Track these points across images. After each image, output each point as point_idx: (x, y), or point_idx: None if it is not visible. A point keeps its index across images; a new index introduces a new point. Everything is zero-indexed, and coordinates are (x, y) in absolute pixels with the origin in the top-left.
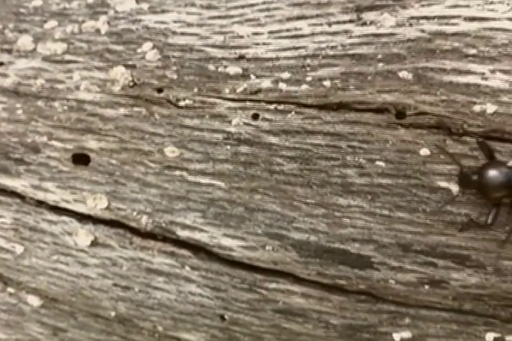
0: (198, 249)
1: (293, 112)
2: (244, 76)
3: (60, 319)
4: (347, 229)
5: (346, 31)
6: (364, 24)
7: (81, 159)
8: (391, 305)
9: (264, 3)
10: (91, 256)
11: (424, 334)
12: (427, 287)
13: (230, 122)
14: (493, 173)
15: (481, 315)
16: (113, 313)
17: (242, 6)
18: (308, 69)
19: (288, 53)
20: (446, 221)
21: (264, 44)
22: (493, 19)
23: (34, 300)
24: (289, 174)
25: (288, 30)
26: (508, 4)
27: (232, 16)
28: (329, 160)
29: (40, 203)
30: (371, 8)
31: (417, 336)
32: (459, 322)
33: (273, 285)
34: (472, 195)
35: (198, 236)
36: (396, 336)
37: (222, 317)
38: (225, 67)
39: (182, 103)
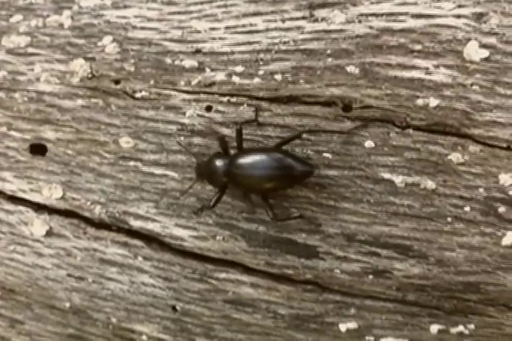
0: (151, 239)
1: (245, 105)
2: (200, 69)
3: (17, 311)
4: (294, 219)
5: (299, 27)
6: (316, 21)
7: (38, 149)
8: (337, 294)
9: None
10: (46, 246)
11: (370, 325)
12: (370, 277)
13: (184, 114)
14: (215, 163)
15: (424, 307)
16: (68, 304)
17: (201, 2)
18: (261, 63)
19: (242, 48)
20: (390, 211)
21: (220, 39)
22: (439, 16)
23: None
24: None
25: (243, 25)
26: (453, 2)
27: (191, 12)
28: None
29: None
30: (323, 5)
31: (363, 327)
32: (403, 313)
33: (223, 275)
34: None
35: (150, 226)
36: (342, 326)
37: (173, 308)
38: (182, 60)
39: (138, 95)
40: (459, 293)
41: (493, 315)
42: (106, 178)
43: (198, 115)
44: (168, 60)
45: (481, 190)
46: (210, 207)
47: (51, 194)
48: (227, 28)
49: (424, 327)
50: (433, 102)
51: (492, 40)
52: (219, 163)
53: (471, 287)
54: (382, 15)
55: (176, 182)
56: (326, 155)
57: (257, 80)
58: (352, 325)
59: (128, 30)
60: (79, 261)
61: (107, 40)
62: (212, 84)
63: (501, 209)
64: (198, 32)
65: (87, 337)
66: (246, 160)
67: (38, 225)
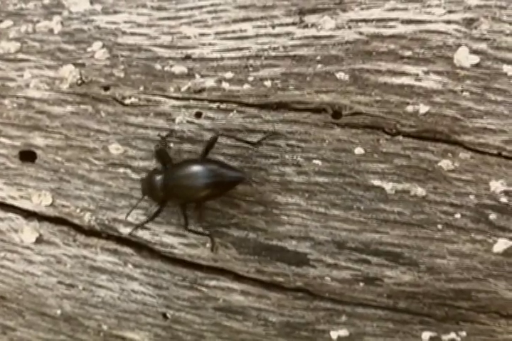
0: (141, 247)
1: (235, 111)
2: (189, 75)
3: (9, 317)
4: (284, 226)
5: (288, 33)
6: (306, 26)
7: (28, 156)
8: (327, 302)
9: (212, 5)
10: (36, 254)
11: (361, 332)
12: (361, 284)
13: (173, 120)
14: (153, 179)
15: (416, 314)
16: (59, 312)
17: (191, 8)
18: (250, 69)
19: (232, 54)
20: (380, 219)
21: (210, 44)
22: (430, 22)
23: None
24: None
25: (233, 31)
26: (444, 7)
27: (180, 17)
28: (268, 158)
29: None
30: (313, 11)
31: (354, 334)
32: (394, 320)
33: (213, 283)
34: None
35: (140, 233)
36: (333, 334)
37: (164, 316)
38: (171, 66)
39: (127, 101)
40: (450, 301)
41: (484, 322)
42: (95, 185)
43: (188, 121)
44: (158, 66)
45: (471, 196)
46: (146, 222)
47: (41, 201)
48: (217, 33)
49: (416, 335)
50: (423, 109)
51: (483, 45)
52: (156, 178)
53: (462, 294)
54: (372, 21)
55: None
56: (316, 162)
57: (246, 86)
58: (343, 332)
59: (117, 36)
60: (69, 269)
61: (96, 45)
62: (201, 90)
63: (492, 216)
64: (188, 38)
65: None
66: (179, 172)
67: (28, 232)
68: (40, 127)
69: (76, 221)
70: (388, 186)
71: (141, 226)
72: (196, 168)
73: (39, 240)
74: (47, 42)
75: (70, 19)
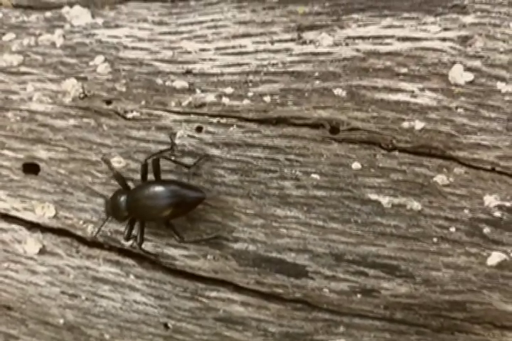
0: (142, 258)
1: (234, 126)
2: (190, 90)
3: (12, 326)
4: (284, 239)
5: (287, 49)
6: (304, 43)
7: (31, 168)
8: (326, 313)
9: (212, 20)
10: (39, 264)
11: None
12: (359, 296)
13: (174, 134)
14: (117, 199)
15: (412, 325)
16: (61, 321)
17: (192, 23)
18: (250, 85)
19: (232, 69)
20: (377, 232)
21: (210, 60)
22: (425, 39)
23: None
24: (230, 185)
25: (233, 47)
26: (439, 25)
27: (181, 32)
28: (268, 172)
29: None
30: (311, 27)
31: None
32: (391, 331)
33: (214, 294)
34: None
35: (141, 245)
36: None
37: (165, 326)
38: (172, 81)
39: (129, 115)
40: (446, 312)
41: (479, 332)
42: (98, 197)
43: (189, 136)
44: (159, 81)
45: (466, 211)
46: (125, 240)
47: (44, 213)
48: (217, 49)
49: None
50: (418, 125)
51: (477, 63)
52: (120, 198)
53: (457, 306)
54: (368, 38)
55: None
56: (314, 176)
57: (246, 102)
58: None
59: (119, 50)
60: (72, 279)
61: (98, 59)
62: (202, 105)
63: (486, 229)
64: (189, 53)
65: None
66: (143, 193)
67: (32, 243)
68: (43, 140)
69: (79, 232)
70: (385, 200)
71: (127, 241)
72: (158, 189)
73: (42, 251)
74: (49, 55)
75: (72, 32)
